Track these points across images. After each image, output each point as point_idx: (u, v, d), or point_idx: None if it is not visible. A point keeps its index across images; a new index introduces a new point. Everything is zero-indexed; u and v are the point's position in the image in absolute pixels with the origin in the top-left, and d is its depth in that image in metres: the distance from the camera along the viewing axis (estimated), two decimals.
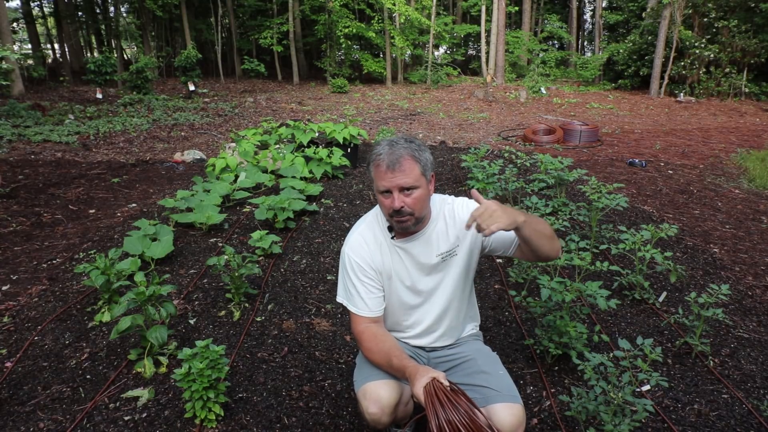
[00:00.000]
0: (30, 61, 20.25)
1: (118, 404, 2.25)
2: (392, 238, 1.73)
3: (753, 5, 16.11)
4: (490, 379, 1.69)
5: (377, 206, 1.80)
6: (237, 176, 5.68)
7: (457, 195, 5.54)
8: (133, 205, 5.29)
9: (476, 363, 1.79)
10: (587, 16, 31.68)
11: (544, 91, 17.08)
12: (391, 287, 1.79)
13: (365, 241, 1.75)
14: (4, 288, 3.36)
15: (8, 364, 2.52)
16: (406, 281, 1.78)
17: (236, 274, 3.06)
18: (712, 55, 16.43)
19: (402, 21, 20.12)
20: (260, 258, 3.81)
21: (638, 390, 2.33)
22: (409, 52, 21.75)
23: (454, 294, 1.82)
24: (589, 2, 30.21)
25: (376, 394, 1.63)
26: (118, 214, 4.95)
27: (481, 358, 1.81)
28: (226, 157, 5.85)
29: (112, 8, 24.10)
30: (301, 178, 5.87)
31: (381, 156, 1.60)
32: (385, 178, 1.58)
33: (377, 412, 1.62)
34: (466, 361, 1.82)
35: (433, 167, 1.67)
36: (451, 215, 1.75)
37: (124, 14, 25.46)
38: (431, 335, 1.88)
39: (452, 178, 6.27)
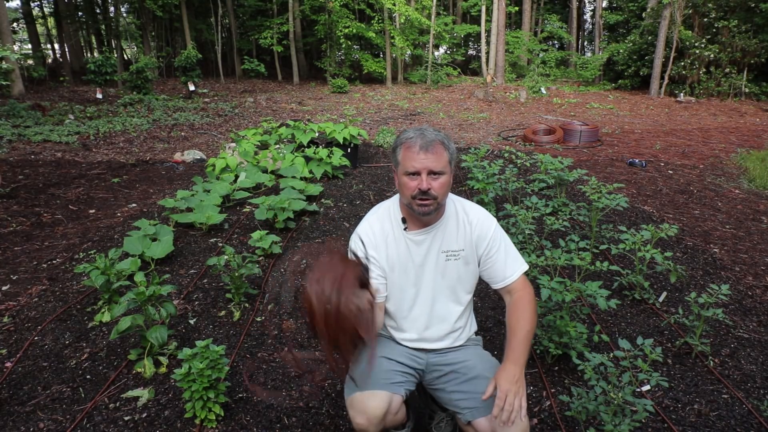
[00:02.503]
0: (30, 61, 20.24)
1: (118, 404, 2.25)
2: (405, 229, 1.76)
3: (753, 5, 16.11)
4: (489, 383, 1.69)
5: (390, 200, 1.83)
6: (237, 176, 5.68)
7: (457, 195, 5.57)
8: (133, 205, 5.29)
9: (475, 368, 1.78)
10: (587, 16, 31.69)
11: (544, 91, 17.08)
12: (394, 281, 1.80)
13: (372, 230, 1.78)
14: (4, 288, 3.36)
15: (8, 364, 2.52)
16: (410, 274, 1.79)
17: (236, 274, 3.06)
18: (712, 55, 16.43)
19: (402, 21, 20.13)
20: (260, 258, 3.81)
21: (638, 390, 2.33)
22: (409, 52, 21.75)
23: (453, 294, 1.84)
24: (589, 2, 30.22)
25: (363, 405, 1.64)
26: (118, 214, 4.95)
27: (480, 363, 1.81)
28: (226, 157, 5.85)
29: (112, 8, 24.08)
30: (301, 178, 5.87)
31: (412, 138, 1.65)
32: (417, 159, 1.62)
33: (364, 423, 1.62)
34: (465, 366, 1.82)
35: (455, 160, 1.73)
36: (464, 221, 1.79)
37: (124, 14, 25.45)
38: (429, 333, 1.87)
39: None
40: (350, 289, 1.49)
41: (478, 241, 1.78)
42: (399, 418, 1.73)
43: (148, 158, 7.66)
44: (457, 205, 1.82)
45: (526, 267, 1.82)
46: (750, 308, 3.16)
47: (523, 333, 1.70)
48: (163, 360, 2.52)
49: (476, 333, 2.03)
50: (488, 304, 3.21)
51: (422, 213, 1.67)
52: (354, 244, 1.78)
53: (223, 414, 2.14)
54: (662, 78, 17.18)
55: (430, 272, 1.79)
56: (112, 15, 24.14)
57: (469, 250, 1.79)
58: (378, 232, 1.77)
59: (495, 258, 1.79)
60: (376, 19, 20.47)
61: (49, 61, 27.48)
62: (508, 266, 1.79)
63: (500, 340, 2.80)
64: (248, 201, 5.13)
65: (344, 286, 1.48)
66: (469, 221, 1.79)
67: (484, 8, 21.64)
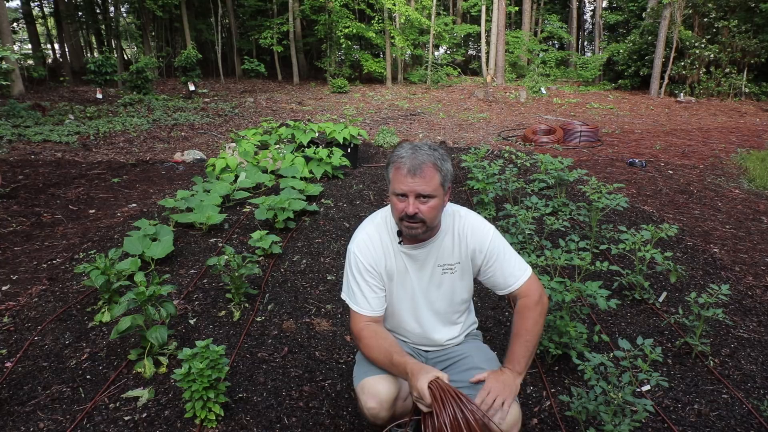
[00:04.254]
0: (30, 61, 20.23)
1: (118, 404, 2.25)
2: (400, 243, 1.74)
3: (753, 5, 16.11)
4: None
5: (387, 209, 1.80)
6: (237, 176, 5.68)
7: (457, 195, 5.54)
8: (133, 205, 5.29)
9: (472, 360, 1.79)
10: (587, 16, 31.69)
11: (544, 91, 17.08)
12: (392, 291, 1.80)
13: (371, 241, 1.75)
14: (4, 288, 3.36)
15: (8, 364, 2.52)
16: (406, 287, 1.79)
17: (236, 274, 3.06)
18: (712, 55, 16.43)
19: (402, 21, 20.13)
20: (260, 258, 3.81)
21: (638, 390, 2.33)
22: (409, 52, 21.74)
23: (450, 305, 1.83)
24: (589, 2, 30.22)
25: (375, 389, 1.64)
26: (118, 214, 4.95)
27: (477, 355, 1.82)
28: (226, 157, 5.85)
29: (112, 8, 24.09)
30: (301, 178, 5.87)
31: (403, 159, 1.59)
32: (404, 182, 1.58)
33: (375, 406, 1.62)
34: (463, 358, 1.83)
35: (451, 179, 1.68)
36: (461, 235, 1.76)
37: (124, 14, 25.45)
38: (427, 339, 1.88)
39: (452, 179, 6.27)
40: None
41: (474, 253, 1.77)
42: (408, 405, 1.73)
43: (148, 158, 7.66)
44: (455, 217, 1.78)
45: (528, 273, 1.78)
46: (750, 308, 3.16)
47: (523, 340, 1.69)
48: (163, 360, 2.52)
49: (477, 328, 2.03)
50: (488, 304, 3.21)
51: (410, 235, 1.66)
52: (354, 256, 1.75)
53: (223, 414, 2.14)
54: (662, 78, 17.18)
55: (425, 285, 1.79)
56: (112, 15, 24.15)
57: (465, 263, 1.78)
58: (376, 243, 1.75)
59: (494, 268, 1.77)
60: (376, 19, 20.46)
61: (49, 61, 27.46)
62: (508, 275, 1.76)
63: (500, 340, 2.80)
64: (248, 201, 5.13)
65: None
66: (465, 233, 1.76)
67: (484, 8, 21.64)
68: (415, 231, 1.63)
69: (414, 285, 1.78)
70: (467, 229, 1.76)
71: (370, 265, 1.74)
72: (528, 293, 1.76)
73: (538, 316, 1.73)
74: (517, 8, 25.02)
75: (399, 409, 1.70)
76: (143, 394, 2.30)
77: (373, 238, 1.75)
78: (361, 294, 1.75)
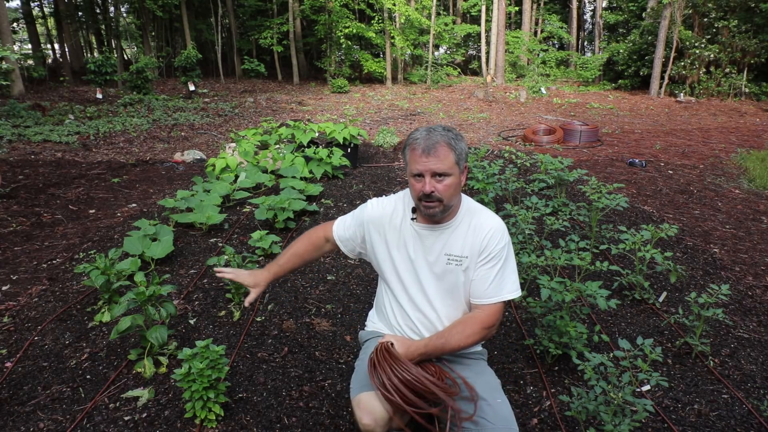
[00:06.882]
0: (30, 61, 20.22)
1: (118, 404, 2.25)
2: (413, 219, 1.76)
3: (753, 5, 16.11)
4: (486, 408, 1.65)
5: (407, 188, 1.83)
6: (237, 176, 5.68)
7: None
8: (133, 205, 5.29)
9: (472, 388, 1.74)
10: (587, 16, 31.68)
11: (544, 91, 17.08)
12: (393, 259, 1.79)
13: (387, 209, 1.82)
14: (4, 288, 3.36)
15: (8, 364, 2.52)
16: (408, 264, 1.79)
17: None
18: (712, 55, 16.43)
19: (402, 21, 20.13)
20: (260, 258, 3.81)
21: (638, 390, 2.34)
22: (409, 52, 21.73)
23: (453, 301, 1.80)
24: (589, 2, 30.22)
25: (370, 406, 1.61)
26: (118, 214, 4.95)
27: (479, 384, 1.75)
28: (226, 157, 5.85)
29: (112, 8, 24.09)
30: (301, 178, 5.87)
31: (418, 140, 1.65)
32: (420, 162, 1.62)
33: (370, 423, 1.59)
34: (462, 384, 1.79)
35: (467, 158, 1.72)
36: (476, 229, 1.74)
37: (124, 14, 25.46)
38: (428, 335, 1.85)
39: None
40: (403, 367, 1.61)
41: (481, 250, 1.74)
42: (405, 419, 1.71)
43: (148, 158, 7.66)
44: (474, 213, 1.76)
45: (512, 296, 1.75)
46: (750, 308, 3.16)
47: (447, 340, 1.70)
48: (163, 360, 2.52)
49: (482, 345, 1.98)
50: None
51: (429, 215, 1.68)
52: (367, 205, 1.85)
53: (223, 414, 2.14)
54: (662, 78, 17.18)
55: (428, 270, 1.77)
56: (112, 15, 24.15)
57: (473, 259, 1.74)
58: (388, 212, 1.81)
59: (483, 273, 1.73)
60: (376, 19, 20.46)
61: (49, 61, 27.45)
62: (491, 288, 1.73)
63: (500, 340, 2.80)
64: (248, 201, 5.13)
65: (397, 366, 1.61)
66: (481, 229, 1.73)
67: (484, 8, 21.64)
68: (433, 210, 1.66)
69: (418, 267, 1.78)
70: (485, 226, 1.74)
71: (369, 221, 1.82)
72: (489, 313, 1.74)
73: (475, 337, 1.72)
74: (517, 8, 25.03)
75: (396, 425, 1.67)
76: (143, 394, 2.30)
77: (395, 207, 1.81)
78: (344, 225, 1.90)
